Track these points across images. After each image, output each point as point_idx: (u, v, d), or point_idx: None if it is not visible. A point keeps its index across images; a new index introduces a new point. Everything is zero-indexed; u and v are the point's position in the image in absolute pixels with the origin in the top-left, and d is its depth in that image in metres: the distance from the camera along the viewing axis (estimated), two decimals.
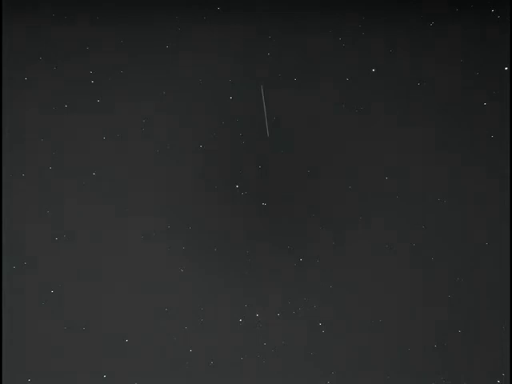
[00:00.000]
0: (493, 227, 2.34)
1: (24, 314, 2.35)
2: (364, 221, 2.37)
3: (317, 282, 2.40)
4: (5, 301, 2.33)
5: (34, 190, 2.34)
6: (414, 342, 2.37)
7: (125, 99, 2.35)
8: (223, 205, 2.39)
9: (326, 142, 2.37)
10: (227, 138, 2.39)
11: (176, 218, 2.38)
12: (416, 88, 2.33)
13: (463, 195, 2.34)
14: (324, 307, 2.40)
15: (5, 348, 2.34)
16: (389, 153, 2.37)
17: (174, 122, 2.37)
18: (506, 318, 2.32)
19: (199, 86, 2.36)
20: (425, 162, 2.35)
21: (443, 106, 2.33)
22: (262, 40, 2.34)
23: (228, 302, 2.40)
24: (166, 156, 2.37)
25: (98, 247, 2.37)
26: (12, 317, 2.34)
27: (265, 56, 2.35)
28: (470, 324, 2.35)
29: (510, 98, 2.31)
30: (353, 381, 2.38)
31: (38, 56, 2.32)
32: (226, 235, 2.40)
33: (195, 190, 2.38)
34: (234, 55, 2.35)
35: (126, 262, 2.38)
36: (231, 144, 2.39)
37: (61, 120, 2.34)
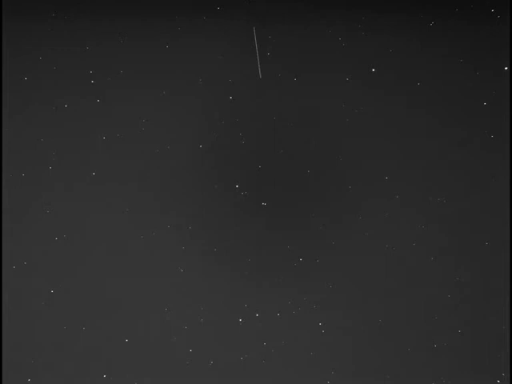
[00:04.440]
0: (493, 227, 2.34)
1: (24, 314, 2.35)
2: (364, 221, 2.37)
3: (317, 282, 2.40)
4: (5, 301, 2.33)
5: (34, 190, 2.34)
6: (414, 342, 2.37)
7: (125, 99, 2.35)
8: (223, 205, 2.39)
9: (326, 142, 2.37)
10: (227, 137, 2.39)
11: (176, 217, 2.38)
12: (416, 88, 2.33)
13: (463, 195, 2.34)
14: (324, 307, 2.40)
15: (5, 348, 2.34)
16: (389, 153, 2.37)
17: (174, 121, 2.37)
18: (506, 318, 2.32)
19: (199, 86, 2.36)
20: (425, 162, 2.35)
21: (443, 106, 2.33)
22: (262, 40, 2.34)
23: (228, 301, 2.40)
24: (166, 156, 2.37)
25: (98, 247, 2.37)
26: (12, 317, 2.34)
27: (265, 56, 2.35)
28: (469, 324, 2.35)
29: (510, 98, 2.31)
30: (353, 381, 2.38)
31: (37, 56, 2.32)
32: (226, 235, 2.40)
33: (195, 189, 2.38)
34: (234, 55, 2.35)
35: (126, 262, 2.38)
36: (231, 144, 2.39)
37: (61, 120, 2.34)
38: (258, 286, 2.40)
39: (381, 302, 2.38)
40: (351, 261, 2.38)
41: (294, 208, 2.39)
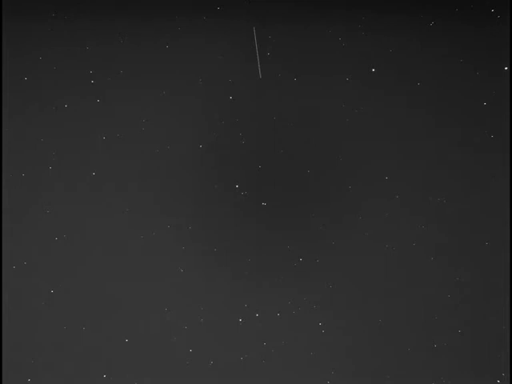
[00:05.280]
0: (493, 227, 2.34)
1: (24, 314, 2.35)
2: (364, 221, 2.37)
3: (317, 282, 2.40)
4: (5, 301, 2.33)
5: (34, 190, 2.34)
6: (414, 342, 2.37)
7: (125, 99, 2.35)
8: (223, 205, 2.39)
9: (325, 142, 2.37)
10: (227, 137, 2.39)
11: (176, 217, 2.38)
12: (416, 88, 2.33)
13: (463, 195, 2.34)
14: (324, 307, 2.40)
15: (5, 348, 2.34)
16: (389, 153, 2.37)
17: (174, 121, 2.37)
18: (506, 317, 2.32)
19: (199, 86, 2.36)
20: (425, 162, 2.35)
21: (443, 106, 2.33)
22: (262, 40, 2.34)
23: (228, 301, 2.40)
24: (166, 156, 2.37)
25: (98, 247, 2.37)
26: (12, 317, 2.34)
27: (265, 56, 2.35)
28: (469, 324, 2.35)
29: (509, 97, 2.31)
30: (353, 381, 2.38)
31: (38, 56, 2.32)
32: (226, 235, 2.40)
33: (195, 189, 2.38)
34: (234, 55, 2.35)
35: (126, 262, 2.38)
36: (231, 144, 2.39)
37: (61, 120, 2.34)
38: (258, 286, 2.40)
39: (381, 302, 2.38)
40: (351, 261, 2.38)
41: (294, 208, 2.39)
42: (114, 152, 2.36)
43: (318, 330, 2.39)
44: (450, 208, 2.35)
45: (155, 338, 2.39)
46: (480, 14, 2.30)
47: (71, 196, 2.35)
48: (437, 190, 2.35)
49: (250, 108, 2.38)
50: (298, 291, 2.40)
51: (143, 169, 2.37)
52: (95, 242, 2.36)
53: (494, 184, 2.33)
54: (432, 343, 2.37)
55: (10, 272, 2.34)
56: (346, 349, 2.38)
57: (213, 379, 2.39)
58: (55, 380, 2.37)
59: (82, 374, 2.37)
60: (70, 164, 2.35)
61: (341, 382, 2.39)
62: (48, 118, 2.33)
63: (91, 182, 2.35)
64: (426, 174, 2.35)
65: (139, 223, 2.37)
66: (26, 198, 2.33)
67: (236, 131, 2.38)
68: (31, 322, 2.35)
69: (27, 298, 2.35)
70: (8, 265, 2.33)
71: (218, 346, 2.40)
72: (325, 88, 2.35)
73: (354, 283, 2.39)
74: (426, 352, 2.37)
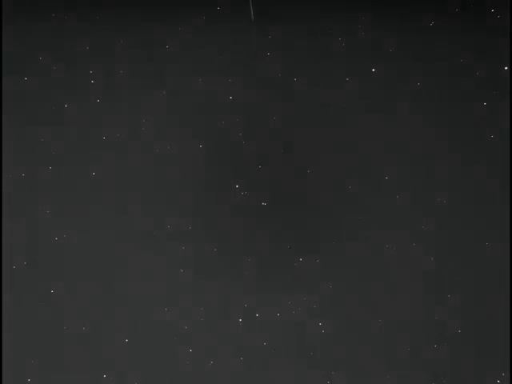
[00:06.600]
0: (493, 227, 2.34)
1: (24, 314, 2.35)
2: (364, 221, 2.37)
3: (317, 282, 2.40)
4: (5, 301, 2.33)
5: (34, 190, 2.34)
6: (414, 342, 2.37)
7: (125, 99, 2.35)
8: (223, 205, 2.39)
9: (326, 142, 2.37)
10: (227, 137, 2.39)
11: (176, 217, 2.38)
12: (416, 88, 2.33)
13: (463, 195, 2.34)
14: (324, 307, 2.40)
15: (5, 348, 2.34)
16: (389, 153, 2.37)
17: (174, 121, 2.37)
18: (506, 317, 2.32)
19: (199, 86, 2.36)
20: (425, 162, 2.35)
21: (443, 106, 2.33)
22: (262, 40, 2.34)
23: (228, 301, 2.40)
24: (166, 156, 2.37)
25: (98, 247, 2.37)
26: (12, 317, 2.34)
27: (265, 56, 2.35)
28: (470, 324, 2.35)
29: (509, 97, 2.31)
30: (353, 381, 2.38)
31: (37, 56, 2.32)
32: (226, 235, 2.40)
33: (195, 189, 2.38)
34: (234, 55, 2.35)
35: (126, 262, 2.38)
36: (231, 144, 2.39)
37: (61, 120, 2.34)
38: (258, 286, 2.40)
39: (381, 302, 2.38)
40: (351, 261, 2.38)
41: (294, 208, 2.39)
42: (114, 152, 2.36)
43: (317, 330, 2.39)
44: (450, 208, 2.35)
45: (155, 338, 2.39)
46: (480, 14, 2.30)
47: (71, 196, 2.35)
48: (437, 190, 2.35)
49: (250, 108, 2.38)
50: (298, 291, 2.40)
51: (143, 169, 2.37)
52: (95, 242, 2.36)
53: (494, 184, 2.33)
54: (432, 343, 2.37)
55: (10, 272, 2.34)
56: (346, 349, 2.38)
57: (213, 379, 2.39)
58: (55, 380, 2.37)
59: (82, 374, 2.37)
60: (70, 164, 2.35)
61: (341, 381, 2.39)
62: (48, 117, 2.33)
63: (91, 182, 2.36)
64: (426, 174, 2.35)
65: (139, 223, 2.37)
66: (26, 198, 2.33)
67: (236, 131, 2.38)
68: (31, 321, 2.35)
69: (27, 298, 2.35)
70: (8, 265, 2.33)
71: (218, 346, 2.40)
72: (325, 88, 2.35)
73: (354, 283, 2.39)
74: (426, 352, 2.37)
